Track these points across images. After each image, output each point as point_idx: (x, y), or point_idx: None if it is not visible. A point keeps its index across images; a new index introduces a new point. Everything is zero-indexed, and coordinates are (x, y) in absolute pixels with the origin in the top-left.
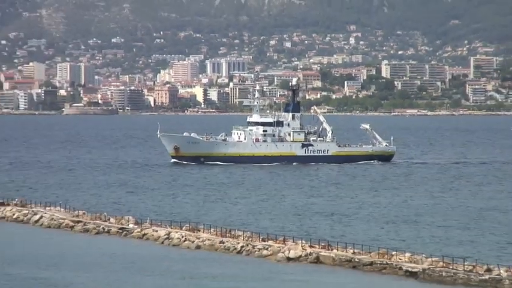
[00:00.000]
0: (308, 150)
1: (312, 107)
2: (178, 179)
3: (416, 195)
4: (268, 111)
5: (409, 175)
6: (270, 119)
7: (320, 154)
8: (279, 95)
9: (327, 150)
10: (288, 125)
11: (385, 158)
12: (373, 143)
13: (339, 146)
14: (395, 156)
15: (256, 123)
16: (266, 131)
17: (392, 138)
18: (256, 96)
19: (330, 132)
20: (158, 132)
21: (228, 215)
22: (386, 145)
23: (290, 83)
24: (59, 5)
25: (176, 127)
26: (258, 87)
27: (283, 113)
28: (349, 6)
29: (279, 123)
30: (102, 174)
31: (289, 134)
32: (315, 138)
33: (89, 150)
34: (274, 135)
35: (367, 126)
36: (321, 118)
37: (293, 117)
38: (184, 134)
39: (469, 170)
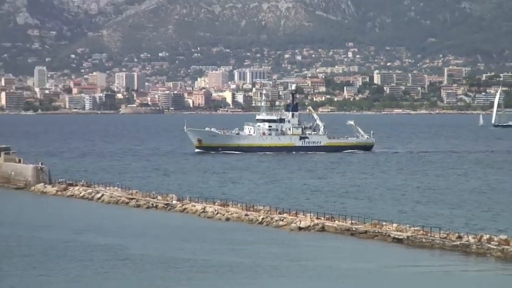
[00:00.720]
0: (304, 141)
1: (308, 108)
2: (202, 164)
3: (393, 177)
4: (272, 111)
5: (386, 161)
6: (274, 117)
7: (314, 145)
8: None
9: (320, 142)
10: (289, 121)
11: (366, 148)
12: (357, 136)
13: (329, 138)
14: (375, 146)
15: (263, 120)
16: (271, 126)
17: (372, 132)
18: (263, 99)
19: (322, 127)
20: (185, 128)
21: (247, 193)
22: (367, 137)
23: (290, 89)
24: (116, 26)
25: (204, 123)
26: (264, 92)
27: (284, 112)
28: (348, 27)
29: (282, 120)
30: (144, 161)
31: (290, 129)
32: (310, 132)
33: (139, 142)
34: (277, 130)
35: (352, 122)
36: (315, 116)
37: (292, 116)
38: (206, 128)
39: (435, 156)
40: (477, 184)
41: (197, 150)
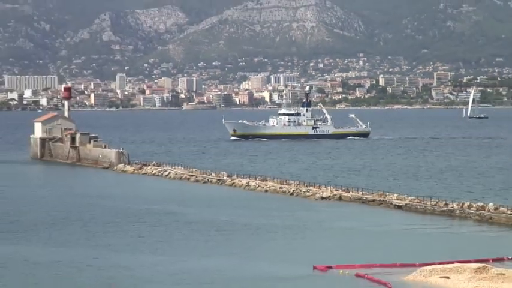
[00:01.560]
0: (316, 130)
1: (318, 104)
2: (238, 149)
3: (386, 157)
4: (291, 107)
5: (380, 145)
6: (292, 112)
7: (323, 133)
8: (315, 96)
9: (328, 131)
10: (304, 115)
11: (364, 135)
12: (357, 126)
13: (335, 128)
14: (371, 134)
15: (284, 114)
16: (290, 119)
17: (368, 122)
18: (284, 98)
19: (329, 119)
20: (223, 120)
21: (272, 169)
22: (365, 127)
23: (305, 90)
24: (180, 42)
25: (242, 117)
26: (285, 92)
27: (300, 108)
28: (359, 41)
29: (298, 114)
30: (192, 146)
31: (304, 121)
32: (320, 123)
33: (192, 132)
34: (295, 122)
35: (353, 115)
36: (324, 111)
37: (306, 110)
38: (240, 121)
39: (420, 141)
40: (456, 163)
41: (232, 138)
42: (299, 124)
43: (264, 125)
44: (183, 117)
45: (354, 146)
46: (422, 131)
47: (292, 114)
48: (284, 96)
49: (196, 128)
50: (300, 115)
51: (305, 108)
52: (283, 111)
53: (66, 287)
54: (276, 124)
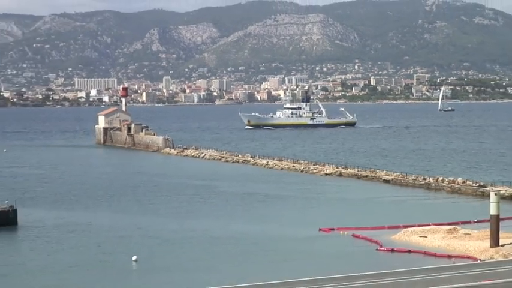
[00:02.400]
0: (313, 121)
1: (315, 100)
2: (251, 135)
3: (369, 141)
4: (294, 102)
5: (364, 132)
6: (294, 106)
7: (319, 123)
8: (321, 93)
9: (322, 121)
10: (303, 109)
11: (351, 124)
12: (346, 117)
13: (329, 118)
14: (357, 123)
15: (288, 108)
16: (292, 112)
17: (355, 114)
18: (287, 96)
19: (324, 112)
20: (239, 113)
21: (280, 151)
22: (352, 118)
23: (305, 89)
24: (213, 51)
25: (256, 110)
26: (289, 91)
27: (301, 103)
28: (355, 50)
29: (299, 108)
30: (215, 134)
31: (304, 113)
32: (316, 115)
33: (218, 122)
34: (296, 114)
35: (342, 109)
36: (320, 105)
37: (306, 105)
38: (252, 113)
39: (397, 128)
40: (428, 146)
41: (247, 127)
42: (300, 116)
43: (272, 116)
44: (215, 111)
45: (343, 133)
46: (401, 121)
47: (294, 108)
48: (288, 94)
49: (221, 120)
50: (301, 109)
51: (305, 103)
52: (287, 105)
53: (121, 245)
54: (281, 116)
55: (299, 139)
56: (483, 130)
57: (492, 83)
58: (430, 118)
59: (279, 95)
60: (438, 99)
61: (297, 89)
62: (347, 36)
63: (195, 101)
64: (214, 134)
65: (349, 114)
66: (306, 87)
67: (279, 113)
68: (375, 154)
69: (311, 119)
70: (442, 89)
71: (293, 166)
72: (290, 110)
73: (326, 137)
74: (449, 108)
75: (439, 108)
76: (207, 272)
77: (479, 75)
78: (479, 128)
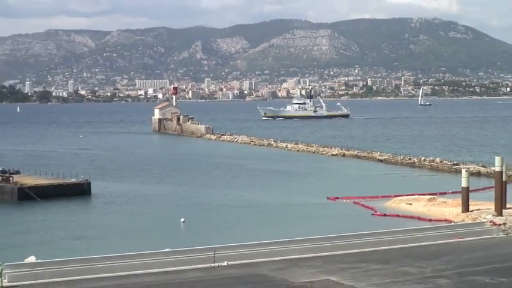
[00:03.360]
0: (315, 113)
1: (318, 97)
2: (267, 124)
3: (360, 129)
4: (301, 98)
5: (355, 122)
6: (301, 101)
7: (320, 115)
8: (328, 92)
9: (323, 113)
10: (308, 104)
11: (346, 116)
12: (341, 110)
13: (328, 111)
14: (351, 115)
15: (296, 103)
16: (299, 106)
17: (349, 107)
18: (298, 93)
19: (324, 106)
20: (258, 107)
21: (290, 136)
22: (346, 111)
23: (309, 89)
24: (244, 59)
25: (274, 105)
26: (298, 89)
27: (306, 99)
28: (356, 58)
29: (304, 103)
30: (240, 123)
31: (308, 107)
32: (318, 109)
33: (241, 114)
34: (302, 108)
35: (339, 104)
36: (321, 101)
37: (310, 101)
38: (268, 107)
39: (384, 120)
40: (411, 133)
41: (263, 118)
42: (305, 109)
43: (284, 110)
44: (244, 106)
45: (340, 123)
46: (389, 113)
47: (301, 103)
48: (297, 93)
49: (247, 113)
50: (306, 104)
51: (309, 99)
52: (295, 101)
53: (172, 210)
54: (290, 109)
55: (305, 128)
56: (453, 121)
57: (463, 83)
58: (412, 111)
59: (295, 93)
60: (419, 96)
61: (309, 88)
62: (349, 47)
63: (230, 97)
64: (240, 123)
65: (344, 108)
66: (316, 87)
67: (288, 107)
68: (367, 139)
69: (314, 111)
70: (422, 87)
71: (306, 148)
72: (297, 105)
73: (326, 126)
74: (428, 103)
75: (419, 103)
76: (238, 231)
77: (453, 77)
78: (450, 119)
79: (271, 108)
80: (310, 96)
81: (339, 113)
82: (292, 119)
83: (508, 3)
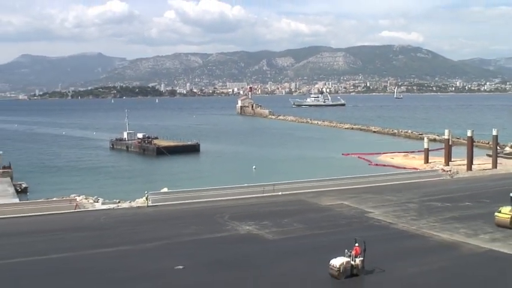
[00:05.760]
0: (324, 103)
1: (324, 92)
2: (296, 110)
3: (354, 114)
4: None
5: (349, 109)
6: (315, 96)
7: (327, 104)
8: (342, 89)
9: (329, 103)
10: (319, 97)
11: (342, 105)
12: (340, 101)
13: (332, 102)
14: (346, 105)
15: (312, 96)
16: (315, 98)
17: (345, 100)
18: (312, 91)
19: (330, 99)
20: (290, 99)
21: (308, 116)
22: (343, 102)
23: (321, 89)
24: (291, 70)
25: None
26: (313, 89)
27: (319, 94)
28: (359, 69)
29: (317, 97)
30: (282, 108)
31: (320, 99)
32: (326, 100)
33: (279, 104)
34: (316, 99)
35: (339, 97)
36: (328, 96)
37: (321, 95)
38: (295, 99)
39: (373, 108)
40: (387, 114)
41: (293, 106)
42: (318, 101)
43: (306, 100)
44: (276, 100)
45: (340, 109)
46: (377, 103)
47: (316, 97)
48: (312, 91)
49: (287, 102)
50: (318, 97)
51: (320, 94)
52: (312, 95)
53: (247, 161)
54: (309, 101)
55: (318, 112)
56: (416, 107)
57: (425, 85)
58: (390, 101)
59: (322, 92)
60: (398, 93)
61: (324, 90)
62: (355, 62)
63: (283, 93)
64: (289, 109)
65: (342, 100)
66: (335, 87)
67: (308, 99)
68: (360, 118)
69: (323, 102)
70: (397, 87)
71: (329, 124)
72: (313, 98)
73: (332, 111)
74: (400, 97)
75: (394, 96)
76: (288, 173)
77: (419, 81)
78: (415, 107)
79: (297, 100)
80: (321, 92)
81: (339, 103)
82: (310, 106)
83: (456, 36)
